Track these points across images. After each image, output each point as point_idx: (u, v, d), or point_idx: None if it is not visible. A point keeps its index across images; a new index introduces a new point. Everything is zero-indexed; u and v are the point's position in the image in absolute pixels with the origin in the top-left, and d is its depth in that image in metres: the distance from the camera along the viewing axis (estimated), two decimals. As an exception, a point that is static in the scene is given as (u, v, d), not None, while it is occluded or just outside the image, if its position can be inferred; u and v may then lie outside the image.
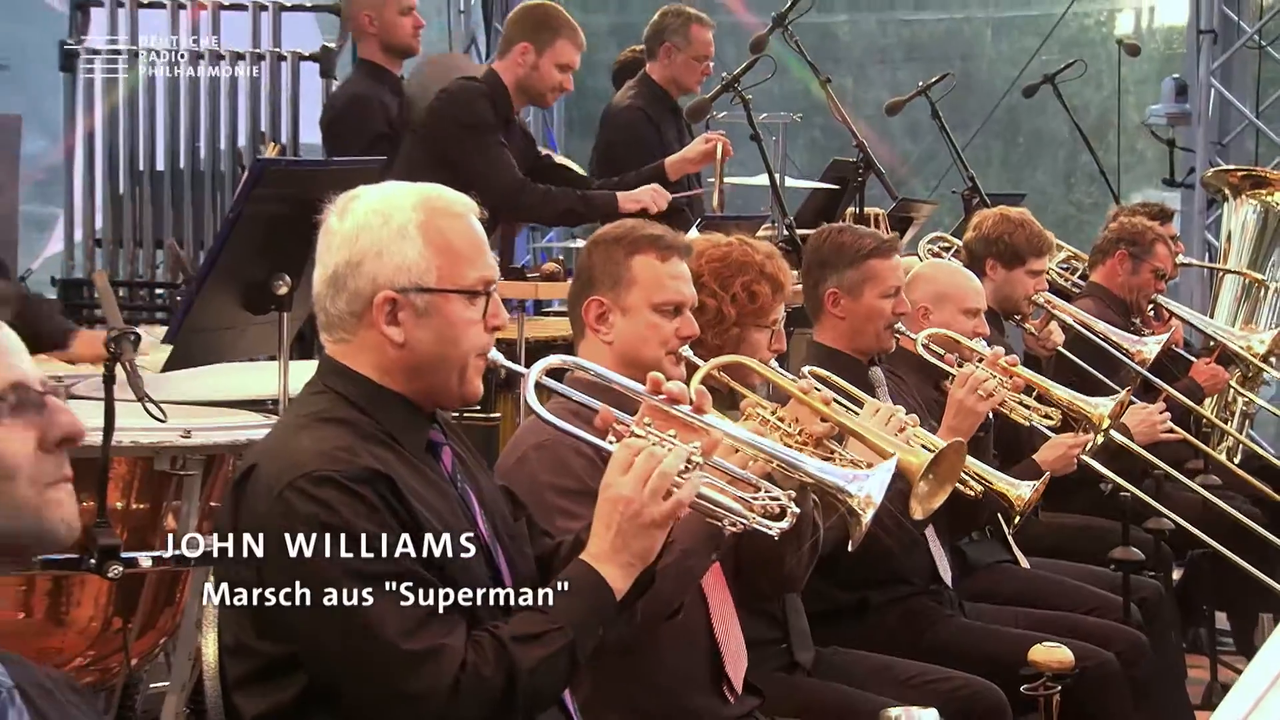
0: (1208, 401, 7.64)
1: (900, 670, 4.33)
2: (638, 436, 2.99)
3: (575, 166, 7.60)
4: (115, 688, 4.39)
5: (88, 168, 8.21)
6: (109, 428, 3.44)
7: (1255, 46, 10.69)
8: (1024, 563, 5.41)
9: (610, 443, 3.01)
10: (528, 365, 3.15)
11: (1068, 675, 4.39)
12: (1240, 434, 7.64)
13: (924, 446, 4.28)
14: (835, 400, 4.23)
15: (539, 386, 3.10)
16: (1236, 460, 7.36)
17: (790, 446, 3.47)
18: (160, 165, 8.16)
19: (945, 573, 4.82)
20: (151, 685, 4.57)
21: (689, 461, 2.97)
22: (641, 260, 3.70)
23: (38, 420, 2.08)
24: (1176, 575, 6.42)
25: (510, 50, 6.55)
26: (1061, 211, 11.68)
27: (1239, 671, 6.76)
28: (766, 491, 3.10)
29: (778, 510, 3.08)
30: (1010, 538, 5.18)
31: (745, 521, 3.07)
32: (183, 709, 3.97)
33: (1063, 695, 4.38)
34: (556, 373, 3.17)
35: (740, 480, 3.13)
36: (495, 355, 3.07)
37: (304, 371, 3.36)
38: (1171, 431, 6.23)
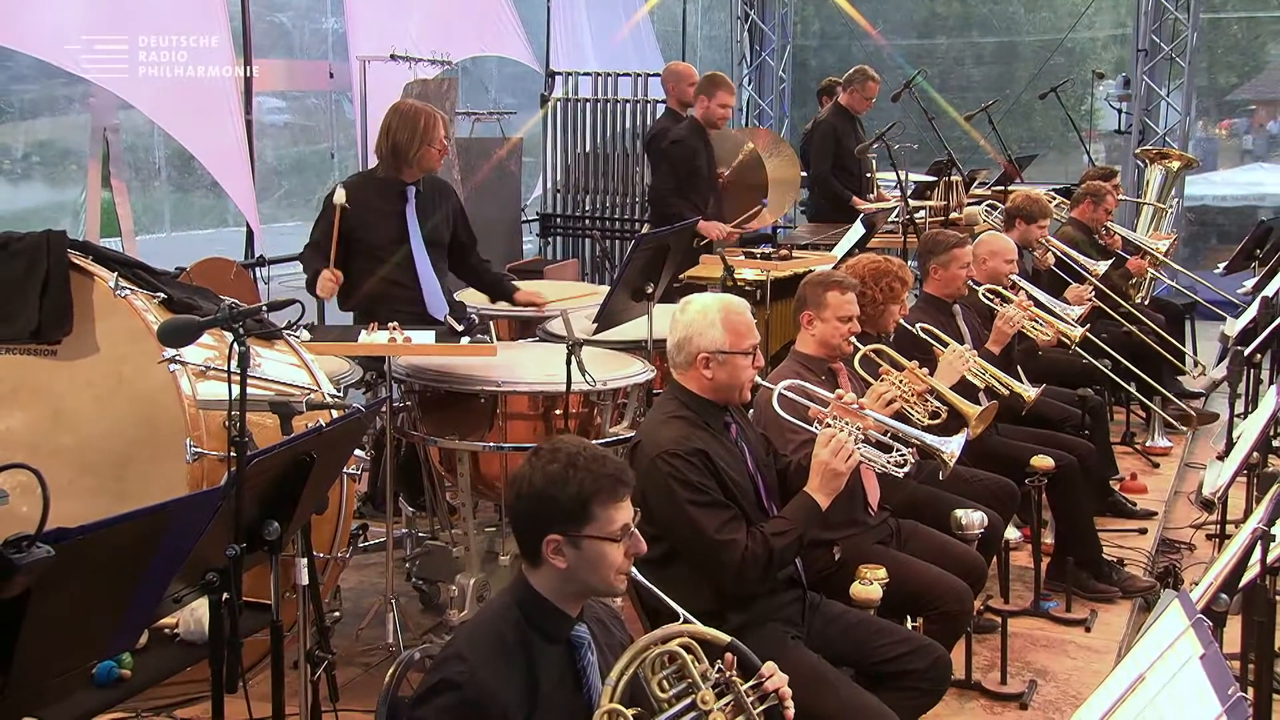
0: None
1: (964, 474, 4.10)
2: (829, 425, 2.92)
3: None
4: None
5: (553, 153, 8.14)
6: (569, 384, 3.45)
7: (1168, 59, 9.81)
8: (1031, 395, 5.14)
9: (815, 427, 2.94)
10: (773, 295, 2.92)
11: (1050, 473, 4.27)
12: (1148, 293, 7.23)
13: (982, 373, 4.10)
14: (934, 343, 4.09)
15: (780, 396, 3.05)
16: (1146, 302, 6.95)
17: (907, 401, 3.32)
18: (588, 149, 8.05)
19: (989, 410, 4.60)
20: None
21: (856, 439, 2.89)
22: (831, 293, 3.51)
23: (626, 543, 2.09)
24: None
25: (696, 101, 6.20)
26: (1057, 147, 10.88)
27: (1141, 416, 6.46)
28: (897, 451, 3.00)
29: (903, 462, 2.98)
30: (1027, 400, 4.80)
31: (885, 469, 2.99)
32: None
33: (1047, 485, 4.28)
34: (789, 389, 3.07)
35: (881, 443, 3.03)
36: (756, 379, 2.98)
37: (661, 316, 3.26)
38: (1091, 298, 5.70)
